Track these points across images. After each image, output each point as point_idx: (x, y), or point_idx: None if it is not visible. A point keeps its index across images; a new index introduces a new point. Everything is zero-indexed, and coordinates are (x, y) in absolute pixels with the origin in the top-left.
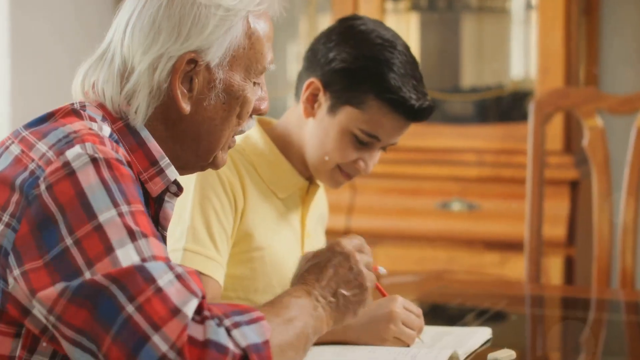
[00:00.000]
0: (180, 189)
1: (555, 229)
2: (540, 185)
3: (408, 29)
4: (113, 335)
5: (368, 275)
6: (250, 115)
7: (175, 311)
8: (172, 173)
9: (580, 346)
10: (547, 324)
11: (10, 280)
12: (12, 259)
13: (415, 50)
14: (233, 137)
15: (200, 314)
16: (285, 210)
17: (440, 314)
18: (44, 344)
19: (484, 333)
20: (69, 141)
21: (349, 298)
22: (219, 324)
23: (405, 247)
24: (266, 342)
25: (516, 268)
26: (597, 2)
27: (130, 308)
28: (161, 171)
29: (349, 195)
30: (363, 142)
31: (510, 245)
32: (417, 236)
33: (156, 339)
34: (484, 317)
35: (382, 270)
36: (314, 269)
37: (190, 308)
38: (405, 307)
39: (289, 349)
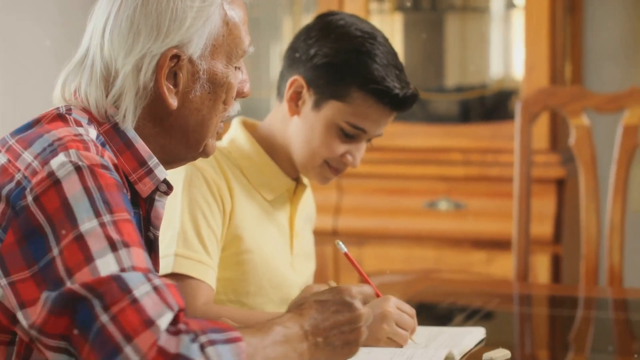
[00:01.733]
0: (170, 187)
1: (542, 227)
2: (527, 184)
3: (392, 29)
4: (90, 343)
5: (364, 332)
6: (235, 99)
7: (149, 323)
8: (161, 172)
9: (569, 344)
10: (536, 322)
11: None
12: None
13: (399, 50)
14: (220, 124)
15: (175, 326)
16: (273, 211)
17: (431, 314)
18: (38, 352)
19: (478, 333)
20: (53, 150)
21: (337, 347)
22: (194, 340)
23: (392, 247)
24: None
25: (503, 266)
26: (581, 0)
27: (104, 318)
28: (150, 171)
29: (336, 195)
30: (349, 135)
31: (497, 244)
32: (405, 235)
33: (128, 350)
34: (475, 317)
35: None
36: (317, 305)
37: (164, 321)
38: (398, 308)
39: None
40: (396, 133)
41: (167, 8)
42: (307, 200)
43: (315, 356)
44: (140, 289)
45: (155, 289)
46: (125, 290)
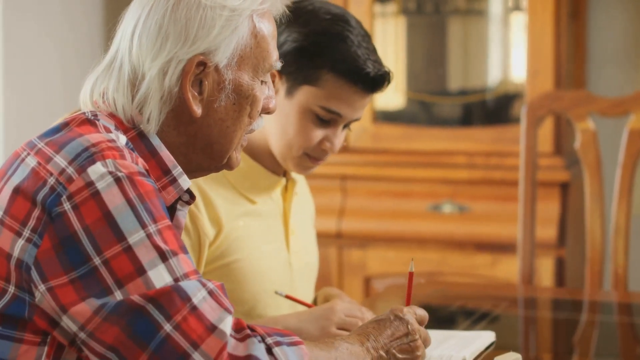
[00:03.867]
0: (192, 197)
1: (546, 231)
2: (532, 187)
3: (396, 32)
4: (150, 353)
5: (421, 346)
6: (260, 114)
7: (212, 328)
8: (184, 182)
9: (574, 347)
10: (541, 326)
11: (37, 293)
12: (34, 274)
13: (403, 53)
14: (244, 136)
15: (240, 332)
16: (265, 213)
17: (439, 317)
18: (69, 352)
19: (487, 336)
20: (88, 156)
21: (399, 358)
22: (261, 341)
23: (396, 249)
24: None
25: (507, 269)
26: (584, 5)
27: (168, 327)
28: (174, 180)
29: (340, 197)
30: (325, 120)
31: (501, 247)
32: (409, 238)
33: (196, 356)
34: (482, 320)
35: None
36: (375, 324)
37: (226, 325)
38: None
39: None
40: (400, 136)
41: (196, 15)
42: (303, 194)
43: None
44: (198, 295)
45: (211, 293)
46: (185, 298)
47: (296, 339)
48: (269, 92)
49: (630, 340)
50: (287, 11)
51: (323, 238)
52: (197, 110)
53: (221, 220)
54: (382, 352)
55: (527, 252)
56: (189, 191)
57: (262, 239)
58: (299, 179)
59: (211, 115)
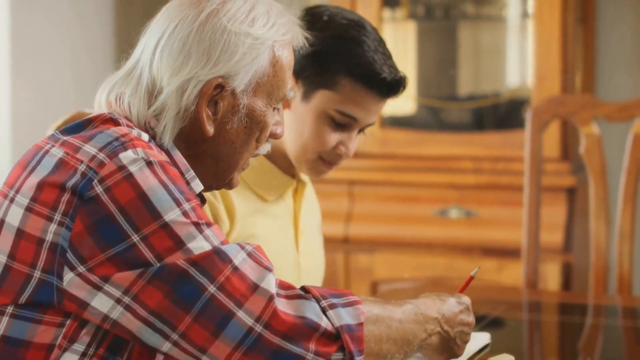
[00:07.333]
0: (203, 201)
1: (552, 236)
2: (537, 192)
3: (405, 37)
4: (195, 315)
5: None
6: (267, 140)
7: (254, 287)
8: (197, 186)
9: (578, 352)
10: (545, 330)
11: (69, 275)
12: (71, 256)
13: (412, 58)
14: (248, 159)
15: (288, 290)
16: (276, 212)
17: None
18: (87, 332)
19: (482, 338)
20: (120, 144)
21: (452, 345)
22: (316, 303)
23: (403, 254)
24: (360, 325)
25: (514, 274)
26: (593, 10)
27: (212, 288)
28: (187, 183)
29: (348, 202)
30: (340, 124)
31: (508, 252)
32: (416, 243)
33: (241, 314)
34: (482, 323)
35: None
36: (457, 304)
37: (269, 282)
38: None
39: (386, 341)
40: (408, 141)
41: (220, 38)
42: (310, 198)
43: (433, 343)
44: (238, 257)
45: (250, 254)
46: (227, 260)
47: (354, 298)
48: (278, 117)
49: (635, 344)
50: (305, 32)
51: (330, 243)
52: (210, 129)
53: (235, 214)
54: (447, 328)
55: (532, 256)
56: (200, 195)
57: (274, 238)
58: (307, 183)
59: (222, 136)
